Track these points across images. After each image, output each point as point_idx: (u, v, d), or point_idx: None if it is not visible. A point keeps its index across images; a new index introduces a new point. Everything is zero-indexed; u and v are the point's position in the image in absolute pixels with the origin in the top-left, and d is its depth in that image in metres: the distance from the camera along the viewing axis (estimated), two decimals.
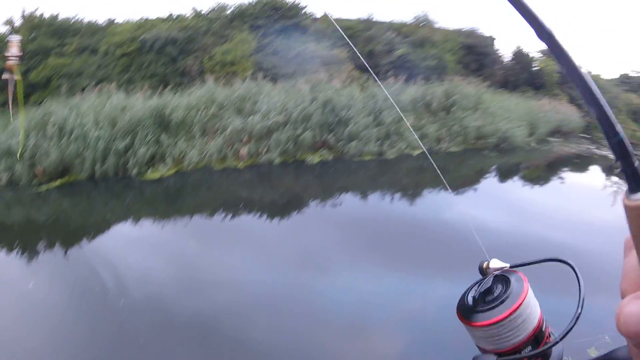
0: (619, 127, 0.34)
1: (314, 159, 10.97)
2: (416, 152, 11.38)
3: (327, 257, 5.88)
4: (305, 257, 6.00)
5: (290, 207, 8.84)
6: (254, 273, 5.54)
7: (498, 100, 16.24)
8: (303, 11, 20.41)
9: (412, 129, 10.86)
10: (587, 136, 23.95)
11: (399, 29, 20.76)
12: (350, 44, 1.27)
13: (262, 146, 10.96)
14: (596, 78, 36.36)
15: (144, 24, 20.05)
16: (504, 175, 12.37)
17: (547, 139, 17.99)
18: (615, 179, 14.99)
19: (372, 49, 17.93)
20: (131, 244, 6.90)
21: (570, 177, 13.60)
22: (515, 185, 11.49)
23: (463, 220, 5.89)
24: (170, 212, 8.64)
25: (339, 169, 10.90)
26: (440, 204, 8.18)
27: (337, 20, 20.89)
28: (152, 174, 10.06)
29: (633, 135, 34.32)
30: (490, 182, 11.27)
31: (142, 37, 18.43)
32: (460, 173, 11.27)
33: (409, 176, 10.80)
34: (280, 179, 10.85)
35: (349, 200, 9.14)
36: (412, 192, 9.39)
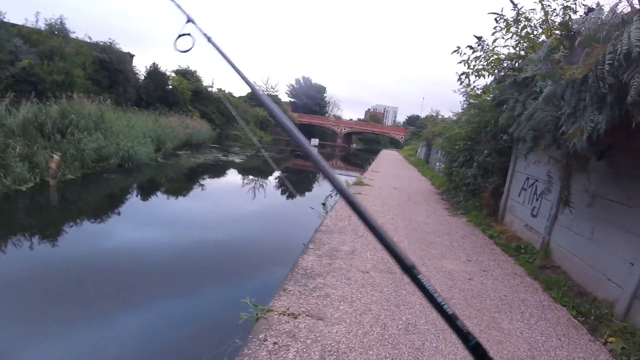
0: None
1: None
2: (26, 187, 10.24)
3: None
4: None
5: None
6: None
7: (124, 119, 17.01)
8: None
9: None
10: (217, 146, 28.83)
11: (29, 35, 18.00)
12: None
13: None
14: (229, 96, 44.06)
15: None
16: (140, 193, 12.53)
17: (176, 153, 20.40)
18: (249, 177, 18.20)
19: None
20: None
21: (207, 182, 15.60)
22: (152, 201, 11.74)
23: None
24: None
25: None
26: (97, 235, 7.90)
27: None
28: None
29: (262, 140, 43.90)
30: (125, 204, 10.95)
31: None
32: (86, 202, 10.49)
33: (33, 215, 9.52)
34: None
35: None
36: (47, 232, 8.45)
